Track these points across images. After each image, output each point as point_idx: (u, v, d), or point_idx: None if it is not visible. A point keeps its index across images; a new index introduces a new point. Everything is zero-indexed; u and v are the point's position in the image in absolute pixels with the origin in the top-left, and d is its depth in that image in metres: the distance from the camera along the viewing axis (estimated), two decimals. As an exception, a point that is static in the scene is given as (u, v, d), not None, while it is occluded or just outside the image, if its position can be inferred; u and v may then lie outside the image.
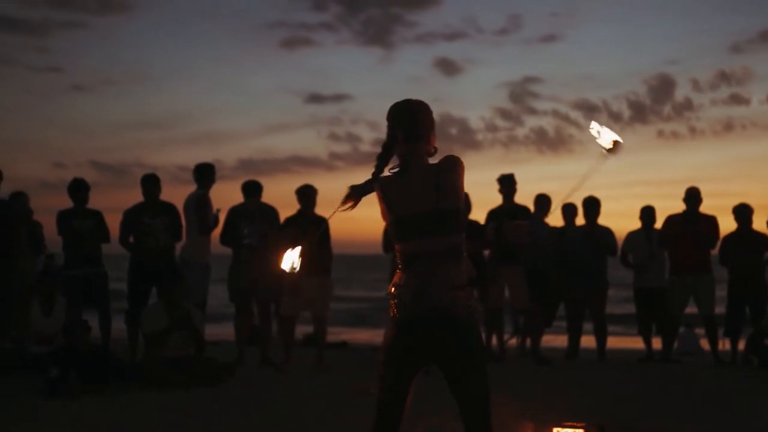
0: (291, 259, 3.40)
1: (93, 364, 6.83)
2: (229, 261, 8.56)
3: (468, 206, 7.87)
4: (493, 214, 8.71)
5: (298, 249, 3.40)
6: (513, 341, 10.27)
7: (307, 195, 8.40)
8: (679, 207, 9.21)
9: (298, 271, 3.43)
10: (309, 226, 8.23)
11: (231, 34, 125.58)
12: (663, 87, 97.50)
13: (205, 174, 8.68)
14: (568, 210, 9.43)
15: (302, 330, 11.09)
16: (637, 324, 9.66)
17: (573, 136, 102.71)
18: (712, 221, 9.10)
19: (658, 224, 9.35)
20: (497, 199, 8.97)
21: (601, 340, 9.36)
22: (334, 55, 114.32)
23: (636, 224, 9.50)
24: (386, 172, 3.33)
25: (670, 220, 9.22)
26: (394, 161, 3.36)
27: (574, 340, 9.47)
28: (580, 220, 9.41)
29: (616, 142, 3.30)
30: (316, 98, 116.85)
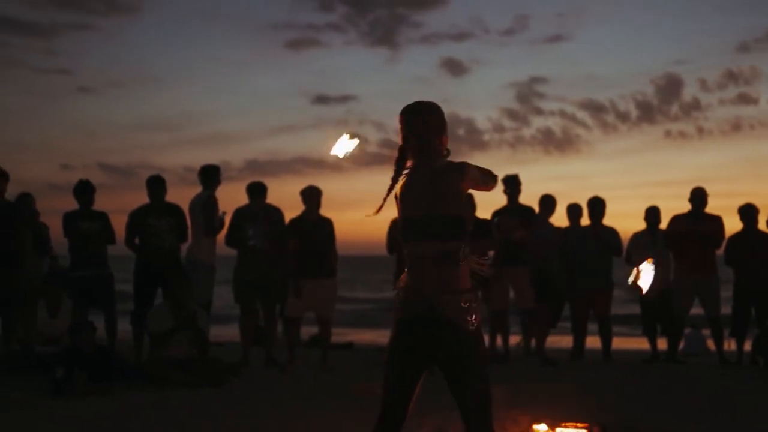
0: (344, 146, 3.44)
1: (98, 365, 6.86)
2: (234, 262, 8.59)
3: (472, 207, 7.87)
4: (497, 215, 8.72)
5: (355, 139, 3.46)
6: (516, 340, 10.26)
7: (311, 196, 8.42)
8: (687, 207, 9.19)
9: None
10: (313, 227, 8.25)
11: (238, 36, 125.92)
12: (670, 87, 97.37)
13: (210, 175, 8.71)
14: (573, 210, 9.43)
15: (308, 331, 11.11)
16: (642, 325, 9.65)
17: (580, 136, 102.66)
18: (717, 221, 9.08)
19: (664, 224, 9.35)
20: (503, 200, 9.00)
21: (606, 340, 9.35)
22: (341, 55, 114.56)
23: (642, 225, 9.50)
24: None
25: (675, 220, 9.21)
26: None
27: (579, 340, 9.45)
28: (585, 221, 9.41)
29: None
30: (322, 99, 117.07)
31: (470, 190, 3.38)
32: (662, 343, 9.49)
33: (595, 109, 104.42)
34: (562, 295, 9.30)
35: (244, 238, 8.38)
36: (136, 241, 8.45)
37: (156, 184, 8.50)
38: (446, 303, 3.18)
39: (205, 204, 8.54)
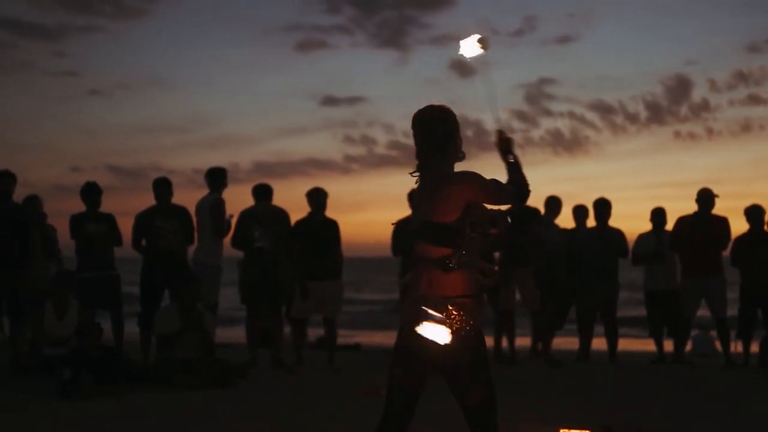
0: (472, 49, 3.49)
1: (105, 367, 6.88)
2: (241, 263, 8.61)
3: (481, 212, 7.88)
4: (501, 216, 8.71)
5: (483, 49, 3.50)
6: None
7: (317, 197, 8.44)
8: (696, 209, 9.16)
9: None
10: (319, 229, 8.27)
11: (246, 38, 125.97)
12: (680, 88, 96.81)
13: (217, 178, 8.75)
14: (579, 212, 9.42)
15: (315, 332, 11.13)
16: (648, 326, 9.64)
17: (589, 137, 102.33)
18: (723, 222, 9.06)
19: (670, 226, 9.33)
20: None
21: (612, 342, 9.34)
22: (349, 57, 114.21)
23: (649, 226, 9.48)
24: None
25: (681, 221, 9.19)
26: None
27: (586, 342, 9.45)
28: (591, 222, 9.40)
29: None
30: (331, 101, 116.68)
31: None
32: (669, 345, 9.48)
33: (604, 110, 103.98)
34: (568, 297, 9.30)
35: (251, 240, 8.40)
36: (143, 242, 8.49)
37: (162, 186, 8.54)
38: (443, 309, 3.22)
39: (213, 206, 8.57)
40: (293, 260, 8.27)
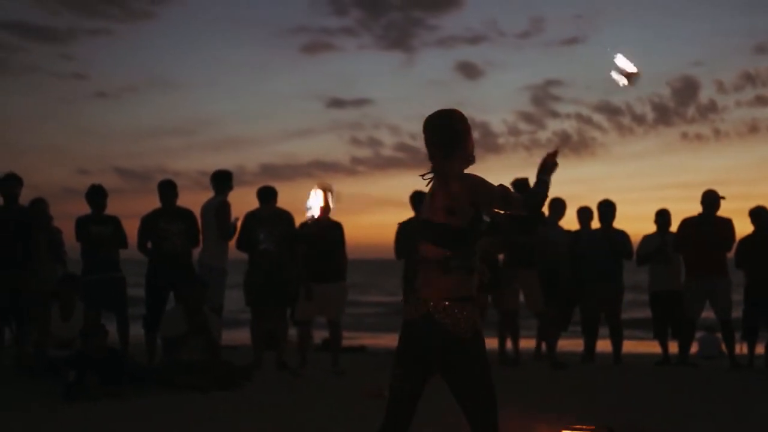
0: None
1: (110, 368, 6.91)
2: (245, 266, 8.64)
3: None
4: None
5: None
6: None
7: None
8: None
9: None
10: (323, 231, 8.28)
11: (252, 40, 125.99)
12: (687, 89, 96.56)
13: (222, 181, 8.78)
14: (584, 214, 9.42)
15: (321, 334, 11.16)
16: (653, 328, 9.63)
17: (596, 139, 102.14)
18: (727, 224, 9.05)
19: (675, 227, 9.33)
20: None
21: (617, 343, 9.34)
22: (356, 59, 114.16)
23: (654, 227, 9.48)
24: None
25: (686, 223, 9.19)
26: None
27: (590, 343, 9.44)
28: (595, 224, 9.40)
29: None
30: (337, 103, 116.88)
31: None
32: (674, 347, 9.47)
33: (611, 111, 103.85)
34: (572, 299, 9.30)
35: (255, 243, 8.43)
36: (148, 245, 8.52)
37: (167, 189, 8.57)
38: (443, 311, 3.25)
39: (218, 209, 8.60)
40: (297, 262, 8.28)
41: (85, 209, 8.52)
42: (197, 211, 8.73)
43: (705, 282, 8.98)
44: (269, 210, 8.55)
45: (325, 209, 3.54)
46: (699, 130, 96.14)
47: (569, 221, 9.44)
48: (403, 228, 8.46)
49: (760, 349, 9.08)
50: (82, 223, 8.43)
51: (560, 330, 9.39)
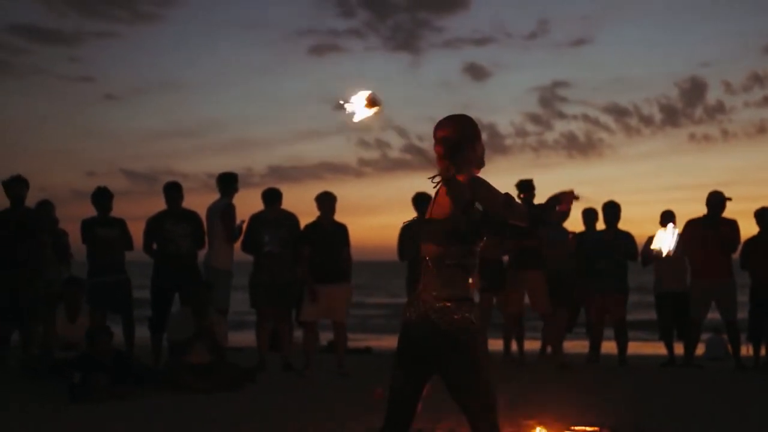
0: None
1: (115, 370, 6.94)
2: (251, 268, 8.66)
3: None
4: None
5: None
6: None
7: (326, 202, 8.46)
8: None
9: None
10: (328, 233, 8.30)
11: (260, 42, 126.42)
12: (695, 89, 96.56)
13: (227, 183, 8.80)
14: (589, 215, 9.42)
15: (327, 336, 11.16)
16: (658, 329, 9.62)
17: (603, 140, 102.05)
18: (733, 225, 9.03)
19: (680, 229, 9.32)
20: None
21: (622, 345, 9.33)
22: (363, 61, 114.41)
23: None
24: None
25: (691, 224, 9.17)
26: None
27: (595, 345, 9.44)
28: (600, 225, 9.39)
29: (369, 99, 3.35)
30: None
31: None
32: (679, 348, 9.46)
33: (619, 112, 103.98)
34: (577, 300, 9.29)
35: (260, 245, 8.45)
36: (154, 246, 8.54)
37: (173, 190, 8.59)
38: (439, 310, 3.27)
39: (224, 212, 8.62)
40: (302, 264, 8.30)
41: (93, 211, 8.54)
42: (204, 214, 8.75)
43: (710, 283, 8.96)
44: (274, 212, 8.57)
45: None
46: (707, 131, 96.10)
47: (574, 222, 9.45)
48: (407, 229, 8.47)
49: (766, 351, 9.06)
50: (87, 226, 8.45)
51: (565, 331, 9.39)
